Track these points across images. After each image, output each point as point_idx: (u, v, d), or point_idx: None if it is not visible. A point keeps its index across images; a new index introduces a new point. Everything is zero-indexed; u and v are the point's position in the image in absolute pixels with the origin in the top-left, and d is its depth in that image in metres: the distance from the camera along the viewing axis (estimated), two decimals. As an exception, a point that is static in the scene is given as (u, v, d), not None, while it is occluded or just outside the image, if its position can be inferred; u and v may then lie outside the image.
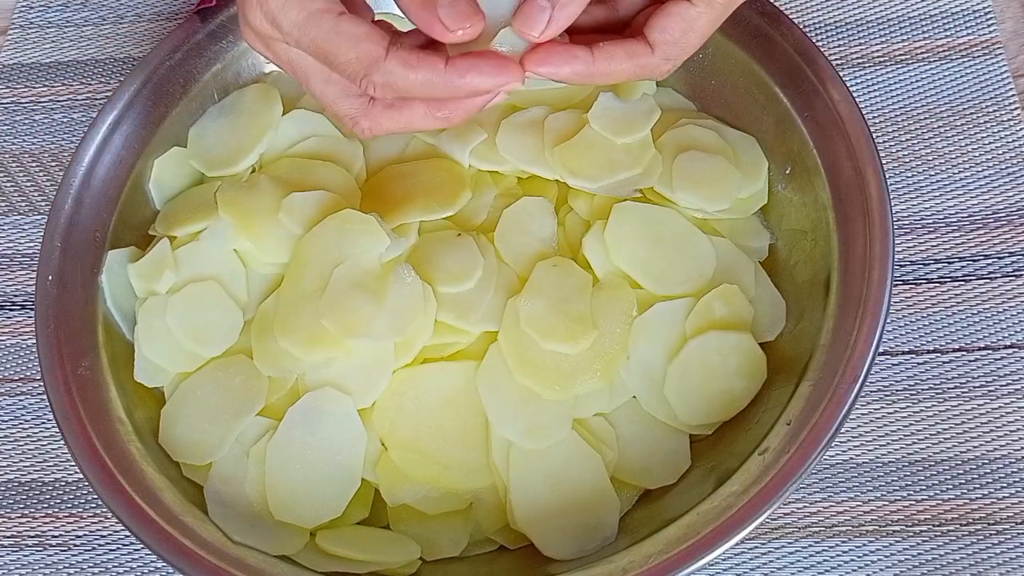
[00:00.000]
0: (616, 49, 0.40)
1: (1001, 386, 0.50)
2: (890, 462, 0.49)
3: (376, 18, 0.42)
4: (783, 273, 0.50)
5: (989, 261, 0.53)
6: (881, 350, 0.50)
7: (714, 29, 0.41)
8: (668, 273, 0.48)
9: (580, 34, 0.42)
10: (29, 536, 0.50)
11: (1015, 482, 0.48)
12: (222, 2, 0.54)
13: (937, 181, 0.55)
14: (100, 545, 0.50)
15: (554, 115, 0.52)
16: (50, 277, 0.48)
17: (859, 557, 0.47)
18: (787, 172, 0.51)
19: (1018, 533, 0.47)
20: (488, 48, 0.39)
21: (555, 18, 0.38)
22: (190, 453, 0.46)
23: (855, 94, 0.49)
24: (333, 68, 0.39)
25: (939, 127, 0.56)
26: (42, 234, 0.49)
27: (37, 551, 0.50)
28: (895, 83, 0.58)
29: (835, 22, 0.60)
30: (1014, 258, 0.53)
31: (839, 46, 0.59)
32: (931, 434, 0.49)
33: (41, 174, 0.61)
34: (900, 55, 0.59)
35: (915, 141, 0.56)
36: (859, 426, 0.50)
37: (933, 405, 0.50)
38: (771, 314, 0.49)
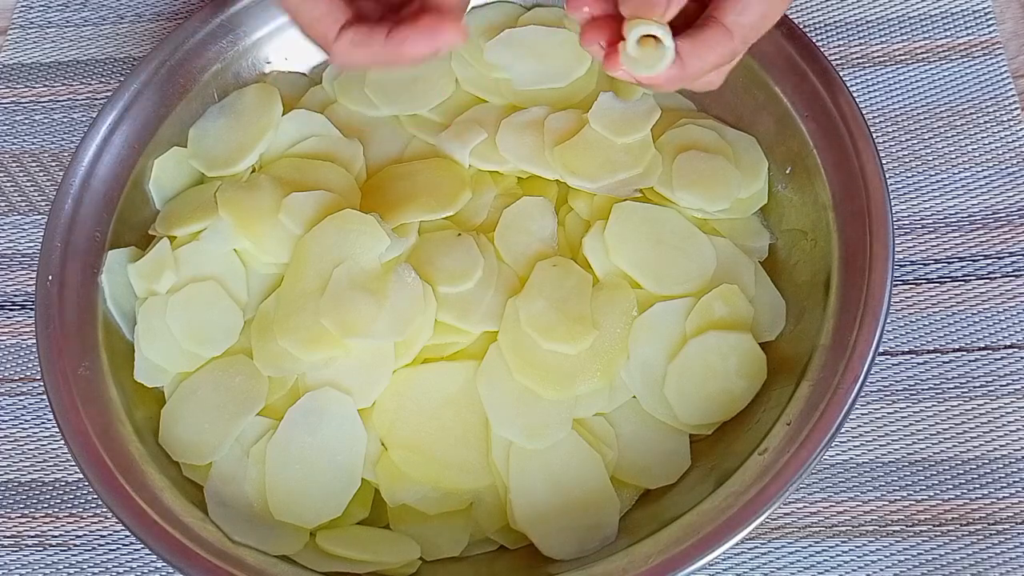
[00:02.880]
0: (700, 47, 0.39)
1: (1001, 386, 0.50)
2: (890, 462, 0.49)
3: None
4: (783, 273, 0.50)
5: (989, 261, 0.53)
6: (881, 350, 0.50)
7: (786, 9, 0.40)
8: (668, 273, 0.48)
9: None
10: (29, 536, 0.50)
11: (1015, 482, 0.48)
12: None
13: (937, 181, 0.55)
14: (100, 545, 0.50)
15: (554, 115, 0.52)
16: (50, 277, 0.48)
17: (859, 557, 0.47)
18: (787, 172, 0.51)
19: (1018, 533, 0.47)
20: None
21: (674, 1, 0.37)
22: (190, 453, 0.46)
23: (855, 94, 0.49)
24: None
25: (939, 127, 0.56)
26: (42, 234, 0.49)
27: (37, 551, 0.50)
28: (895, 83, 0.58)
29: (835, 22, 0.60)
30: (1014, 258, 0.53)
31: (839, 46, 0.59)
32: (931, 434, 0.49)
33: (41, 174, 0.61)
34: (900, 55, 0.59)
35: (915, 141, 0.56)
36: (859, 426, 0.49)
37: (933, 405, 0.50)
38: (771, 314, 0.49)
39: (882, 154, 0.49)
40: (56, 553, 0.50)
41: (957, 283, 0.52)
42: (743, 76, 0.52)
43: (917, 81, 0.58)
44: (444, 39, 0.38)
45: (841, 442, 0.49)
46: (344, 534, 0.45)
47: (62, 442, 0.47)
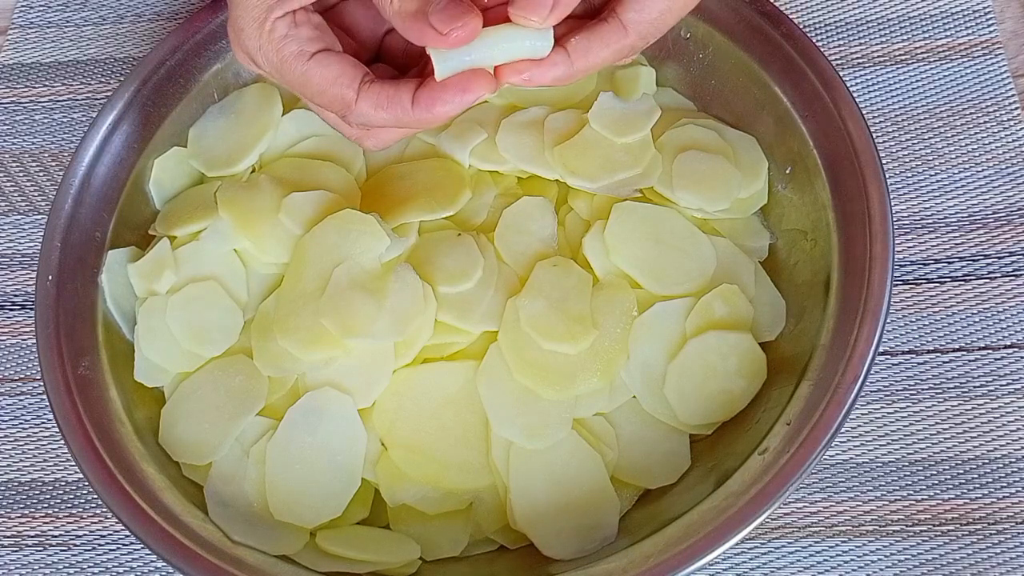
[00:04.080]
0: (592, 42, 0.38)
1: (1001, 386, 0.50)
2: (890, 462, 0.49)
3: None
4: (783, 273, 0.50)
5: (989, 261, 0.53)
6: (881, 350, 0.50)
7: (690, 8, 0.39)
8: (668, 273, 0.48)
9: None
10: (29, 536, 0.50)
11: (1015, 482, 0.48)
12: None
13: (937, 181, 0.55)
14: (100, 545, 0.50)
15: (554, 115, 0.52)
16: (50, 277, 0.48)
17: (859, 557, 0.47)
18: (787, 172, 0.51)
19: (1018, 533, 0.47)
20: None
21: (559, 2, 0.36)
22: (190, 453, 0.46)
23: (855, 94, 0.49)
24: (314, 106, 0.40)
25: (939, 127, 0.56)
26: (42, 234, 0.49)
27: (37, 551, 0.50)
28: (895, 83, 0.58)
29: (835, 22, 0.60)
30: (1014, 258, 0.53)
31: (839, 46, 0.59)
32: (931, 434, 0.49)
33: (41, 174, 0.61)
34: (900, 55, 0.59)
35: (915, 141, 0.56)
36: (859, 426, 0.50)
37: (933, 405, 0.50)
38: (771, 314, 0.49)
39: (882, 154, 0.49)
40: (56, 553, 0.50)
41: (957, 283, 0.52)
42: (743, 76, 0.52)
43: (917, 81, 0.58)
44: (477, 93, 0.37)
45: (841, 442, 0.49)
46: (344, 534, 0.45)
47: (62, 442, 0.47)
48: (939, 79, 0.58)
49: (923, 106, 0.57)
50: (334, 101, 0.39)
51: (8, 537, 0.50)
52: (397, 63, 0.45)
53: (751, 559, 0.47)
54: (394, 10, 0.37)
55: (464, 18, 0.36)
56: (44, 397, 0.48)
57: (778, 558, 0.47)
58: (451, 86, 0.37)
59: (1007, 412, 0.49)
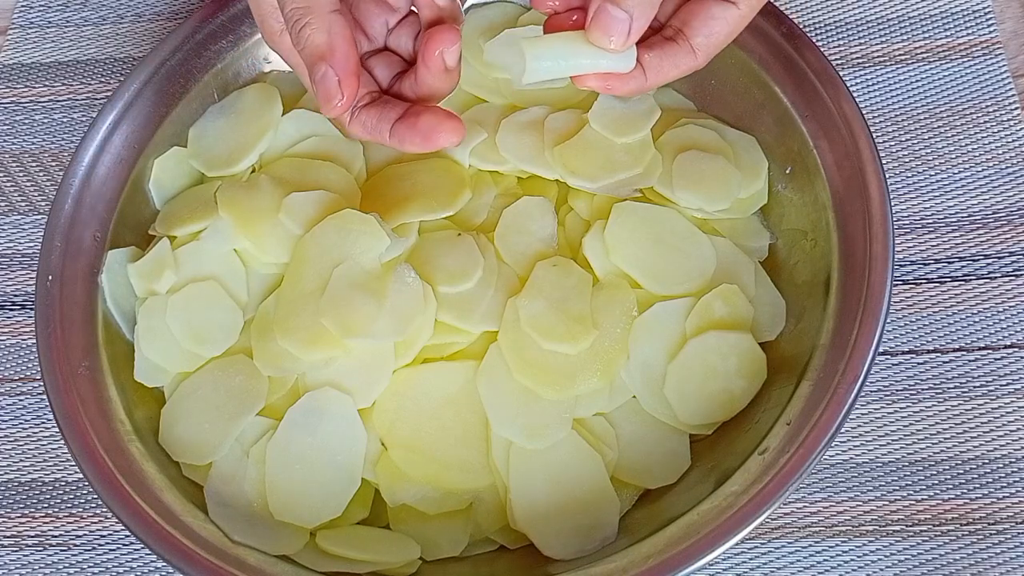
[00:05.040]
0: (664, 61, 0.41)
1: (1001, 386, 0.50)
2: (890, 462, 0.49)
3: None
4: (783, 273, 0.50)
5: (989, 261, 0.53)
6: (881, 350, 0.50)
7: (747, 24, 0.42)
8: (668, 273, 0.48)
9: None
10: (29, 536, 0.50)
11: (1015, 482, 0.48)
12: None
13: (937, 181, 0.55)
14: (100, 545, 0.50)
15: (554, 115, 0.52)
16: (50, 277, 0.48)
17: (859, 557, 0.47)
18: (787, 172, 0.51)
19: (1018, 533, 0.47)
20: None
21: (635, 29, 0.39)
22: (190, 453, 0.46)
23: (855, 94, 0.49)
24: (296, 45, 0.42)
25: (939, 127, 0.56)
26: (42, 234, 0.49)
27: (37, 551, 0.50)
28: (895, 83, 0.58)
29: (835, 22, 0.60)
30: (1014, 258, 0.53)
31: (839, 46, 0.59)
32: (931, 434, 0.49)
33: (41, 174, 0.61)
34: (900, 55, 0.59)
35: (915, 141, 0.56)
36: (859, 426, 0.49)
37: (933, 405, 0.50)
38: (771, 314, 0.49)
39: (882, 154, 0.49)
40: (56, 553, 0.50)
41: (957, 283, 0.52)
42: (743, 76, 0.52)
43: (917, 81, 0.58)
44: (442, 142, 0.41)
45: (841, 442, 0.49)
46: (344, 534, 0.45)
47: (62, 442, 0.47)
48: (939, 79, 0.58)
49: (923, 106, 0.57)
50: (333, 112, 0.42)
51: (8, 537, 0.50)
52: (400, 57, 0.46)
53: (751, 559, 0.47)
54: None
55: (335, 99, 0.41)
56: (44, 397, 0.48)
57: (778, 558, 0.47)
58: (420, 131, 0.41)
59: (1007, 412, 0.49)
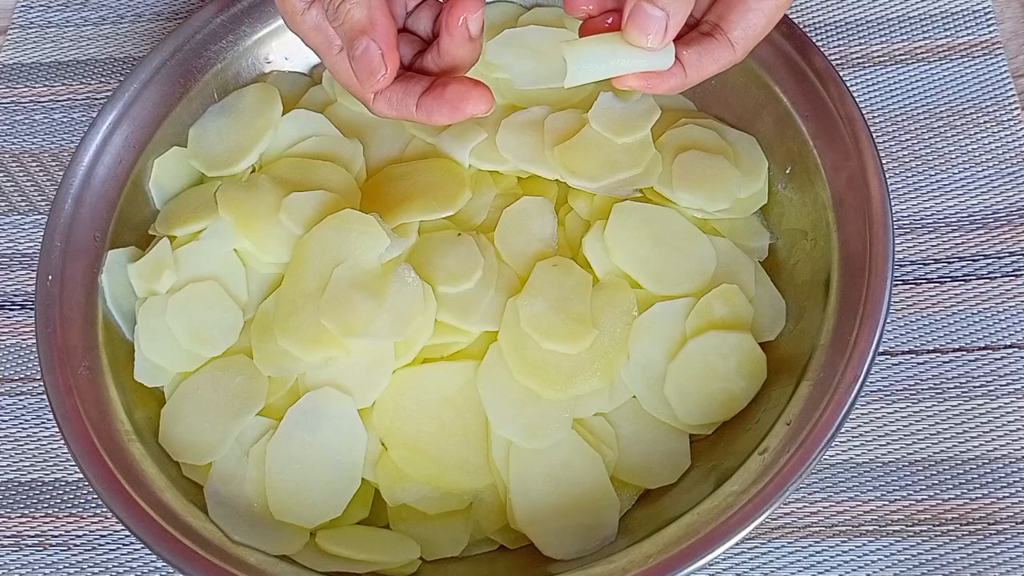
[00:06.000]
0: (703, 56, 0.41)
1: (1001, 386, 0.50)
2: (890, 462, 0.49)
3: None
4: (783, 273, 0.50)
5: (989, 261, 0.53)
6: (881, 350, 0.50)
7: (784, 12, 0.42)
8: (668, 273, 0.48)
9: None
10: (29, 536, 0.50)
11: (1015, 482, 0.48)
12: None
13: (937, 181, 0.55)
14: (100, 545, 0.50)
15: (554, 115, 0.52)
16: (50, 277, 0.48)
17: (859, 557, 0.47)
18: (787, 172, 0.51)
19: (1018, 533, 0.47)
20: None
21: (672, 26, 0.38)
22: (190, 453, 0.46)
23: (855, 94, 0.49)
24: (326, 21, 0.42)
25: (939, 127, 0.56)
26: (42, 234, 0.49)
27: (37, 551, 0.50)
28: (895, 83, 0.58)
29: (835, 22, 0.60)
30: (1014, 258, 0.53)
31: (839, 46, 0.59)
32: (931, 434, 0.49)
33: (41, 174, 0.61)
34: (900, 55, 0.59)
35: (915, 141, 0.56)
36: (859, 426, 0.50)
37: (933, 405, 0.50)
38: (771, 314, 0.49)
39: (882, 154, 0.49)
40: (56, 553, 0.50)
41: (957, 283, 0.52)
42: (743, 76, 0.52)
43: (917, 81, 0.58)
44: (471, 110, 0.40)
45: (841, 442, 0.49)
46: (344, 534, 0.45)
47: (62, 442, 0.47)
48: (939, 79, 0.58)
49: (923, 106, 0.57)
50: (356, 92, 0.42)
51: (8, 537, 0.50)
52: (419, 37, 0.46)
53: (751, 559, 0.47)
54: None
55: (381, 71, 0.41)
56: (44, 397, 0.48)
57: (778, 558, 0.47)
58: (448, 100, 0.40)
59: (1007, 412, 0.49)
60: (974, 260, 0.53)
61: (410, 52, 0.44)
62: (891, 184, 0.53)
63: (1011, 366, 0.50)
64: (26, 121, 0.62)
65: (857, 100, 0.48)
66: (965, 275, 0.52)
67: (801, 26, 0.52)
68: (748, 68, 0.51)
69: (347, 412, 0.46)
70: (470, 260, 0.48)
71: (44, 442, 0.53)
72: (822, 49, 0.50)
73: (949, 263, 0.53)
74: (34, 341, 0.50)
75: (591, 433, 0.46)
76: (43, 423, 0.53)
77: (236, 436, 0.46)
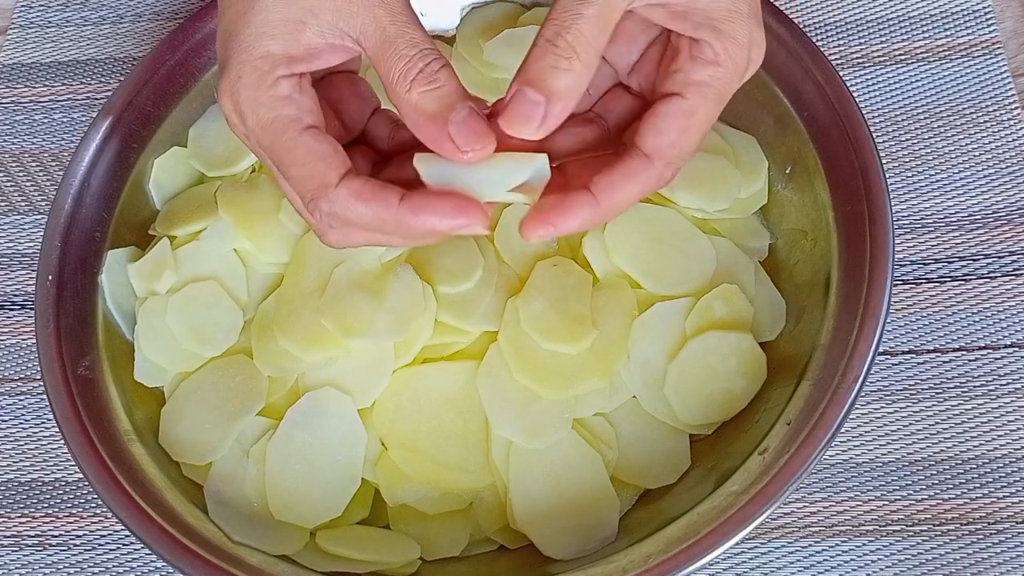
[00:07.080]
0: (615, 177, 0.35)
1: (1001, 386, 0.50)
2: (890, 462, 0.49)
3: (383, 107, 0.41)
4: (783, 273, 0.50)
5: (989, 261, 0.53)
6: (881, 350, 0.50)
7: (713, 122, 0.36)
8: (668, 273, 0.48)
9: (573, 158, 0.38)
10: (29, 536, 0.50)
11: (1015, 482, 0.48)
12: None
13: (937, 181, 0.55)
14: (100, 545, 0.50)
15: (554, 115, 0.52)
16: (50, 277, 0.48)
17: (859, 557, 0.47)
18: (787, 172, 0.51)
19: (1018, 533, 0.47)
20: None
21: (550, 113, 0.34)
22: (190, 453, 0.46)
23: (855, 94, 0.49)
24: (284, 179, 0.37)
25: (939, 127, 0.56)
26: (42, 234, 0.49)
27: (37, 551, 0.50)
28: (895, 83, 0.58)
29: (835, 22, 0.60)
30: (1014, 258, 0.53)
31: (839, 46, 0.59)
32: (931, 434, 0.49)
33: (41, 174, 0.61)
34: (900, 55, 0.59)
35: (915, 141, 0.56)
36: (859, 426, 0.50)
37: (933, 405, 0.50)
38: (771, 314, 0.49)
39: (882, 154, 0.49)
40: (56, 553, 0.50)
41: (957, 283, 0.52)
42: (743, 76, 0.52)
43: (917, 81, 0.58)
44: (466, 224, 0.34)
45: (841, 442, 0.49)
46: (344, 534, 0.45)
47: (62, 442, 0.47)
48: (939, 79, 0.58)
49: (923, 106, 0.57)
50: (311, 178, 0.35)
51: (8, 537, 0.50)
52: (379, 150, 0.41)
53: (751, 559, 0.47)
54: (410, 103, 0.34)
55: (485, 140, 0.34)
56: (44, 397, 0.48)
57: (778, 558, 0.47)
58: (448, 200, 0.34)
59: (1007, 412, 0.49)
60: (974, 260, 0.53)
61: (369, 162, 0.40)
62: (891, 184, 0.53)
63: (1011, 366, 0.50)
64: (26, 121, 0.62)
65: (857, 100, 0.48)
66: (965, 275, 0.52)
67: (801, 26, 0.52)
68: (748, 68, 0.51)
69: (347, 412, 0.46)
70: (470, 260, 0.48)
71: (44, 442, 0.53)
72: (822, 49, 0.50)
73: (949, 263, 0.53)
74: (34, 341, 0.50)
75: (591, 433, 0.46)
76: (43, 423, 0.53)
77: (236, 436, 0.46)
